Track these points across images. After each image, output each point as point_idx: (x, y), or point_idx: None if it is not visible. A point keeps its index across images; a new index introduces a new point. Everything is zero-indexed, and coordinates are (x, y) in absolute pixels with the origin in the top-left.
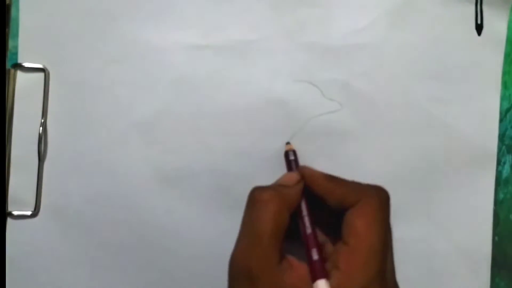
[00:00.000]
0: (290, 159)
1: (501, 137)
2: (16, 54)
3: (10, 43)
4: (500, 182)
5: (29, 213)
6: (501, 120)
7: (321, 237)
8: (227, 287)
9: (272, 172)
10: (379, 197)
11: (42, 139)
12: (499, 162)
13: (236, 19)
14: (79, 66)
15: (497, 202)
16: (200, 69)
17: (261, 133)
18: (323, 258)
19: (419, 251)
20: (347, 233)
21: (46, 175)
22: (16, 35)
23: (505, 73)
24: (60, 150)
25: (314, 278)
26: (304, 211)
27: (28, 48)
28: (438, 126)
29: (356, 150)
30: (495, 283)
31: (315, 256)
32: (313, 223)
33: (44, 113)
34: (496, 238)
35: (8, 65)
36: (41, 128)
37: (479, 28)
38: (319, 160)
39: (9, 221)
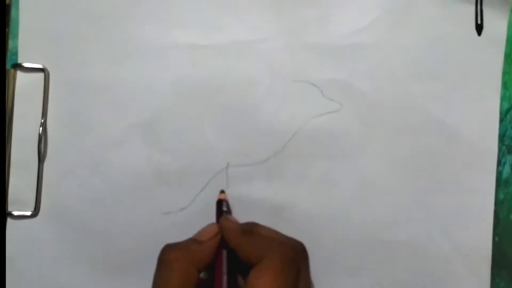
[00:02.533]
0: (223, 209)
1: (501, 137)
2: (16, 54)
3: (10, 43)
4: (500, 182)
5: (29, 213)
6: (501, 121)
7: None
8: None
9: (271, 172)
10: (281, 255)
11: (42, 139)
12: (499, 163)
13: (236, 19)
14: (79, 66)
15: (497, 203)
16: (200, 69)
17: (261, 133)
18: None
19: (419, 251)
20: None
21: (46, 175)
22: (16, 35)
23: (505, 73)
24: (60, 150)
25: None
26: (223, 267)
27: (28, 48)
28: (438, 126)
29: (356, 150)
30: (495, 283)
31: None
32: (230, 278)
33: (44, 113)
34: (496, 238)
35: (8, 65)
36: (41, 128)
37: (479, 28)
38: (319, 160)
39: (9, 221)
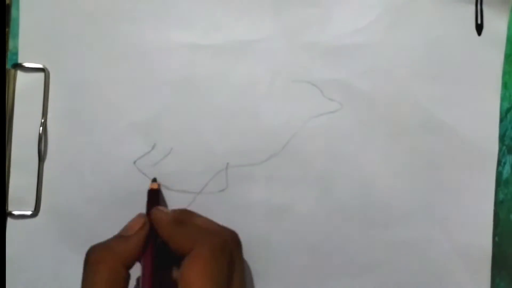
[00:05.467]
0: (153, 198)
1: (501, 137)
2: (16, 54)
3: (10, 43)
4: (500, 182)
5: (29, 213)
6: (501, 121)
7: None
8: None
9: (271, 172)
10: (211, 244)
11: (42, 139)
12: (499, 163)
13: (236, 19)
14: (79, 66)
15: (497, 203)
16: (200, 69)
17: (261, 133)
18: None
19: (419, 251)
20: (180, 285)
21: (46, 175)
22: (16, 35)
23: (505, 73)
24: (60, 150)
25: None
26: (150, 261)
27: (28, 48)
28: (438, 126)
29: (356, 150)
30: (495, 284)
31: None
32: (158, 271)
33: (44, 113)
34: (496, 238)
35: (8, 65)
36: (41, 128)
37: (479, 28)
38: (319, 160)
39: (9, 221)
